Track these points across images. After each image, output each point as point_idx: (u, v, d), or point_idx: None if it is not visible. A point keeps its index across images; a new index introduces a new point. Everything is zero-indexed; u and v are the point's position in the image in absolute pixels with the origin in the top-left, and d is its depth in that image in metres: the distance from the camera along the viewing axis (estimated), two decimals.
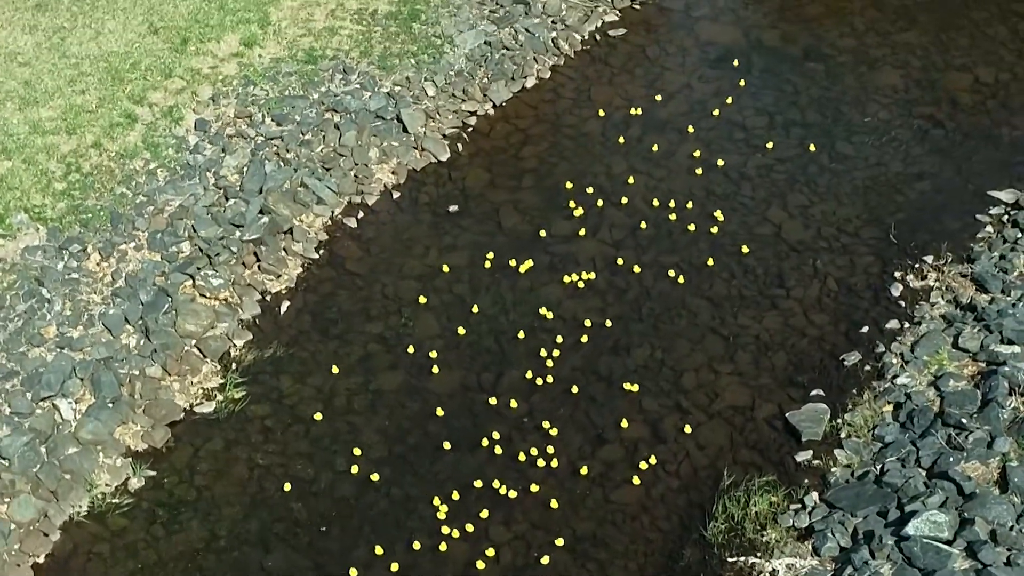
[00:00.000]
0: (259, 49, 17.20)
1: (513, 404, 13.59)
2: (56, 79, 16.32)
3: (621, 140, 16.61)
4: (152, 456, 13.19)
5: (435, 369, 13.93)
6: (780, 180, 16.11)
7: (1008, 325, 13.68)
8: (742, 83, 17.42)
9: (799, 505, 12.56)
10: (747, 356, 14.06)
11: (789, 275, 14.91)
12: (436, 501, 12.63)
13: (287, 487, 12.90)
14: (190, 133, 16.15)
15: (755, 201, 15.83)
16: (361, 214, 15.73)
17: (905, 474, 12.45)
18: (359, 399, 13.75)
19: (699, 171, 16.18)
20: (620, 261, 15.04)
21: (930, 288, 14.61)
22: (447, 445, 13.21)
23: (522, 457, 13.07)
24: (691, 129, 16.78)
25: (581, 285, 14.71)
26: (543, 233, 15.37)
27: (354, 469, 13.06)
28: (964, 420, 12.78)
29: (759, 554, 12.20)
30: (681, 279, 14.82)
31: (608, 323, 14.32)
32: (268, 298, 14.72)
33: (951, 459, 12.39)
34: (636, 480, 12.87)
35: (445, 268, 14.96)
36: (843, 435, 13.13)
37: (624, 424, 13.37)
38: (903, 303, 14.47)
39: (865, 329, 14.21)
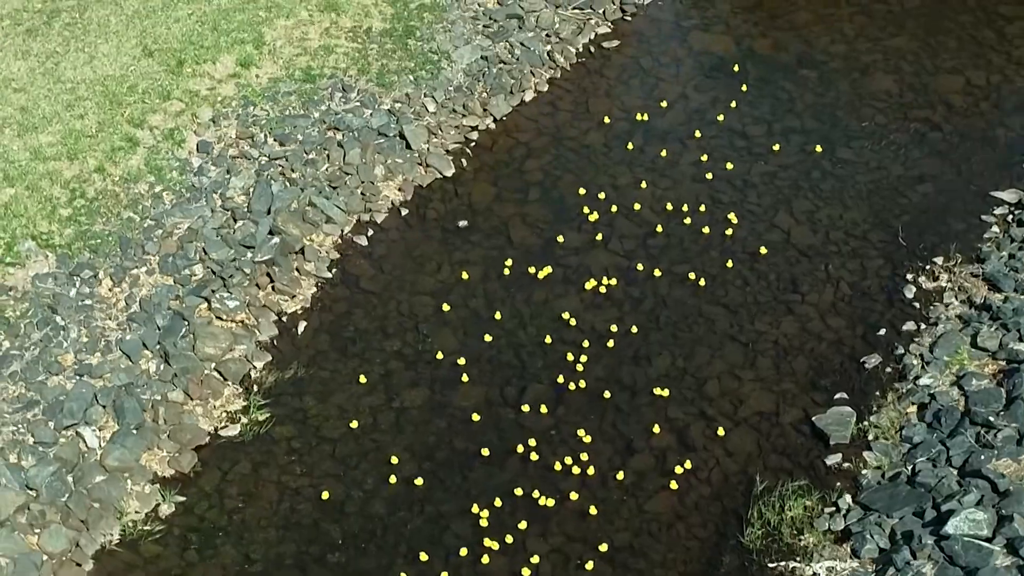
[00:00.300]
0: (256, 69, 17.10)
1: (539, 416, 13.59)
2: (53, 104, 16.14)
3: (627, 149, 16.67)
4: (180, 481, 13.05)
5: (458, 384, 13.88)
6: (785, 187, 16.22)
7: None
8: (740, 91, 17.52)
9: (833, 508, 12.63)
10: (768, 362, 14.13)
11: (802, 280, 15.00)
12: (475, 508, 12.56)
13: (318, 508, 12.78)
14: (193, 155, 16.02)
15: (762, 208, 15.92)
16: (371, 232, 15.67)
17: (937, 474, 12.54)
18: (384, 417, 13.68)
19: (704, 180, 16.27)
20: (634, 269, 15.04)
21: (942, 289, 14.75)
22: (477, 459, 13.15)
23: (557, 467, 13.06)
24: (692, 138, 16.85)
25: (603, 290, 14.70)
26: (553, 246, 15.35)
27: (385, 488, 12.96)
28: (991, 418, 12.90)
29: (798, 558, 12.26)
30: (698, 286, 14.84)
31: (627, 332, 14.34)
32: (284, 319, 14.63)
33: (982, 457, 12.50)
34: (670, 488, 12.87)
35: (465, 275, 14.90)
36: (870, 437, 13.22)
37: (652, 433, 13.37)
38: (917, 304, 14.59)
39: (882, 332, 14.32)
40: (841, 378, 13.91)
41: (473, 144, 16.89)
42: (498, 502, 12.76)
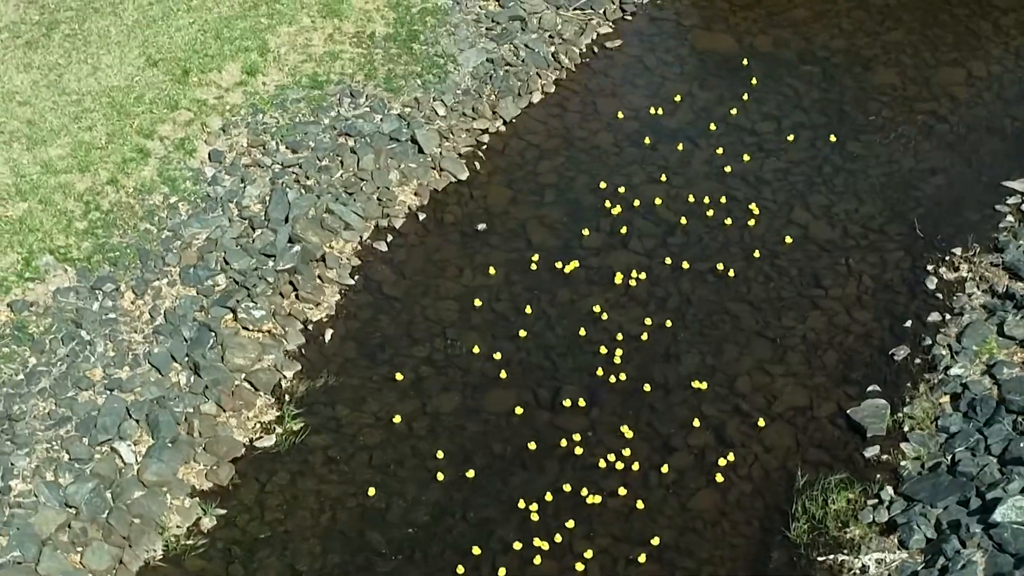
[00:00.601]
0: (262, 77, 16.96)
1: (574, 417, 13.58)
2: (60, 117, 15.94)
3: (638, 149, 16.69)
4: (219, 494, 12.91)
5: (491, 388, 13.85)
6: (798, 182, 16.29)
7: None
8: (746, 88, 17.57)
9: (876, 500, 12.70)
10: (797, 357, 14.18)
11: (824, 275, 15.07)
12: (521, 505, 12.60)
13: (361, 517, 12.70)
14: (205, 165, 15.87)
15: (778, 204, 15.98)
16: (390, 237, 15.59)
17: (978, 463, 12.64)
18: (419, 424, 13.61)
19: (718, 177, 16.32)
20: (656, 268, 15.06)
21: (964, 279, 14.87)
22: (517, 463, 13.14)
23: (601, 465, 13.08)
24: (702, 136, 16.90)
25: (627, 291, 14.71)
26: (574, 247, 15.34)
27: (427, 494, 12.89)
28: None
29: (846, 551, 12.31)
30: (722, 284, 14.89)
31: (655, 331, 14.35)
32: (311, 327, 14.52)
33: (1022, 445, 12.60)
34: (712, 485, 12.89)
35: (488, 279, 14.88)
36: (906, 428, 13.30)
37: (690, 430, 13.39)
38: (940, 295, 14.70)
39: (908, 323, 14.42)
40: (872, 370, 13.98)
41: (485, 147, 16.84)
42: (538, 505, 12.73)
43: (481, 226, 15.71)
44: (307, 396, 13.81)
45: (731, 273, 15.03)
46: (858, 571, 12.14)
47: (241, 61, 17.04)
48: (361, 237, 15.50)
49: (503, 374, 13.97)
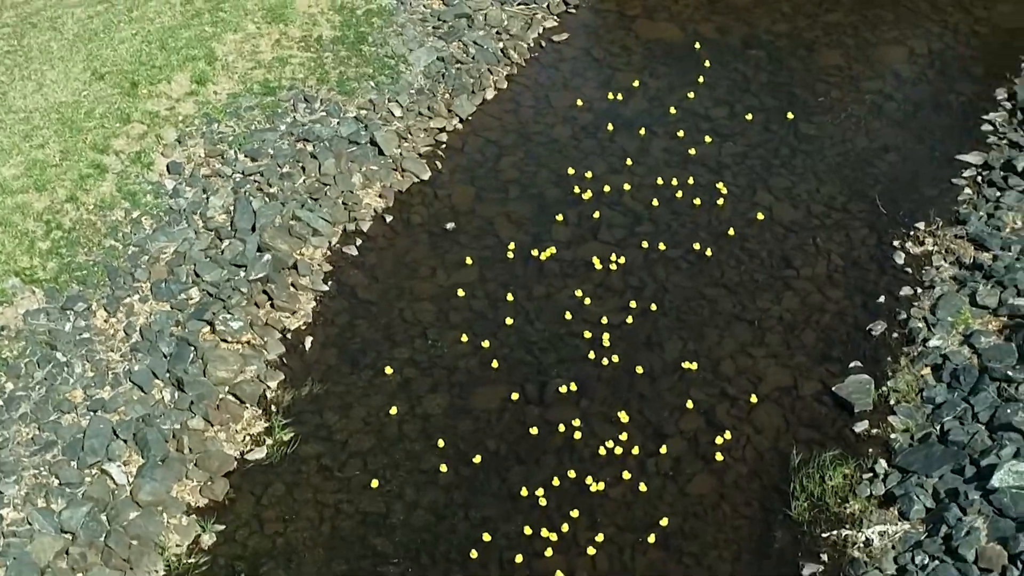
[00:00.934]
0: (213, 86, 16.73)
1: (564, 409, 13.57)
2: (10, 135, 15.58)
3: (596, 140, 16.74)
4: (216, 510, 12.71)
5: (478, 386, 13.81)
6: (757, 165, 16.46)
7: (1021, 279, 14.26)
8: (696, 76, 17.71)
9: (871, 474, 12.86)
10: (776, 338, 14.32)
11: (793, 255, 15.24)
12: (523, 492, 12.62)
13: (362, 523, 12.58)
14: (164, 177, 15.62)
15: (740, 188, 16.13)
16: (359, 241, 15.46)
17: (968, 431, 12.86)
18: (409, 426, 13.52)
19: (677, 164, 16.43)
20: (628, 258, 15.11)
21: (930, 253, 15.13)
22: (512, 459, 13.11)
23: (599, 453, 13.11)
24: (658, 124, 16.99)
25: (602, 281, 14.74)
26: (545, 241, 15.34)
27: (426, 496, 12.81)
28: (1009, 372, 13.26)
29: (847, 526, 12.45)
30: (701, 265, 14.97)
31: (634, 320, 14.41)
32: (289, 335, 14.35)
33: (1009, 411, 12.84)
34: (708, 469, 12.97)
35: (462, 278, 14.82)
36: (892, 402, 13.49)
37: (680, 416, 13.46)
38: (909, 270, 14.95)
39: (882, 299, 14.63)
40: (851, 347, 14.17)
41: (444, 146, 16.78)
42: (539, 497, 12.70)
43: (450, 225, 15.64)
44: (294, 405, 13.64)
45: (701, 260, 15.11)
46: (862, 545, 12.28)
47: (189, 71, 16.78)
48: (330, 242, 15.35)
49: (490, 370, 13.91)
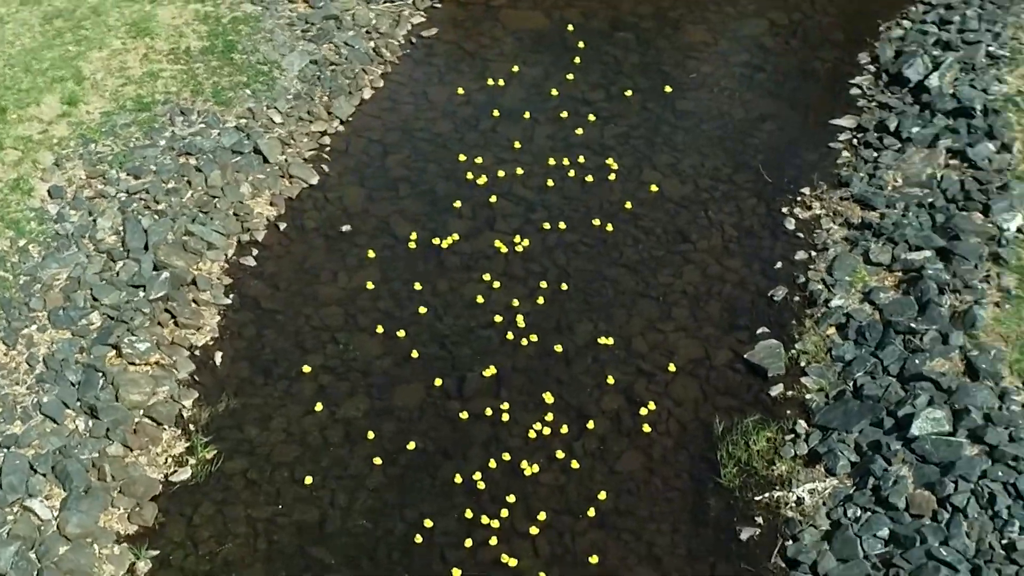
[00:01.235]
0: (84, 106, 16.32)
1: (482, 401, 13.58)
2: None
3: (478, 132, 16.77)
4: (148, 536, 12.43)
5: (395, 385, 13.74)
6: (640, 144, 16.68)
7: (910, 234, 14.74)
8: (568, 61, 17.86)
9: (793, 435, 13.17)
10: (683, 311, 14.56)
11: (688, 229, 15.50)
12: (458, 480, 12.51)
13: (298, 535, 12.43)
14: (47, 203, 15.18)
15: (627, 168, 16.32)
16: (255, 251, 15.24)
17: (880, 384, 13.26)
18: (332, 432, 13.39)
19: (562, 148, 16.56)
20: (526, 245, 15.19)
21: (818, 216, 15.54)
22: (439, 455, 13.08)
23: (531, 435, 13.15)
24: (538, 111, 17.10)
25: (505, 270, 14.79)
26: (441, 236, 15.33)
27: (359, 501, 12.72)
28: (912, 324, 13.69)
29: (778, 487, 12.73)
30: (600, 247, 15.12)
31: (541, 305, 14.48)
32: (198, 352, 14.08)
33: (917, 361, 13.27)
34: (634, 446, 13.12)
35: (365, 279, 14.69)
36: (803, 363, 13.83)
37: (600, 396, 13.59)
38: (801, 234, 15.34)
39: (779, 265, 14.98)
40: (756, 314, 14.48)
41: (328, 149, 16.63)
42: (471, 489, 12.77)
43: (345, 228, 15.52)
44: (212, 422, 13.40)
45: (597, 241, 15.26)
46: (794, 504, 12.56)
47: (58, 92, 16.34)
48: (227, 255, 15.11)
49: (406, 368, 13.86)
